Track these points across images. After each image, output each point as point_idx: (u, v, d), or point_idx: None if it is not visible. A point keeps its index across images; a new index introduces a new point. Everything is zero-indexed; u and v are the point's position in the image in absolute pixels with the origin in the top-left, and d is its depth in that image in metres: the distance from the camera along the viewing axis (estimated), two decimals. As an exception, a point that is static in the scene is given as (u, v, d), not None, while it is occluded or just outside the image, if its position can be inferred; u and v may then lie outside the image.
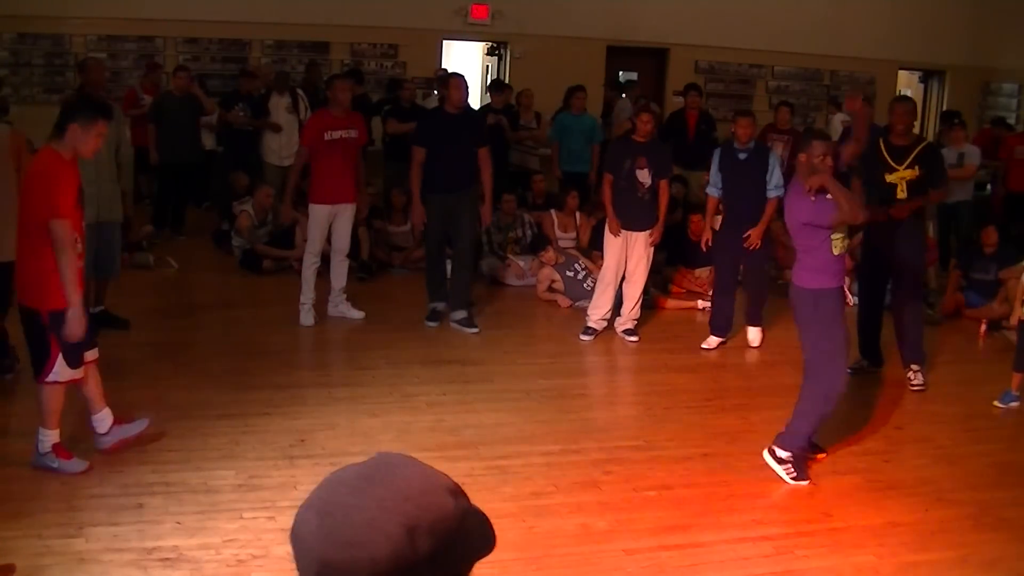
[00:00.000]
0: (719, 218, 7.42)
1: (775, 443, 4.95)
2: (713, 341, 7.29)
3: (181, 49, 12.31)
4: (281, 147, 9.99)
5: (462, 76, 7.38)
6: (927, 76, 16.13)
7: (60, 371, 4.52)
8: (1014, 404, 6.23)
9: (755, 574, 4.05)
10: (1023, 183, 10.65)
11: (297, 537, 1.13)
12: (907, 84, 16.29)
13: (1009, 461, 5.45)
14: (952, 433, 5.80)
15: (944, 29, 14.95)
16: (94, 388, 4.78)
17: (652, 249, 7.30)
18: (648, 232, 7.21)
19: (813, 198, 4.79)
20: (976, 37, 15.10)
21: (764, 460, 4.96)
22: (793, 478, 4.88)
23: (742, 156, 7.10)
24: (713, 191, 7.30)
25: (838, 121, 12.28)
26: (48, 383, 4.52)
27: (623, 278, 7.32)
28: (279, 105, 10.01)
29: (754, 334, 7.39)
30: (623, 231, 7.19)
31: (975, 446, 5.63)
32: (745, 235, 7.00)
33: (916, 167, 6.24)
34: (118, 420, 4.84)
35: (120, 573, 3.72)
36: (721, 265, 7.42)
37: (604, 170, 7.50)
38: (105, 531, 3.99)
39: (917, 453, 5.44)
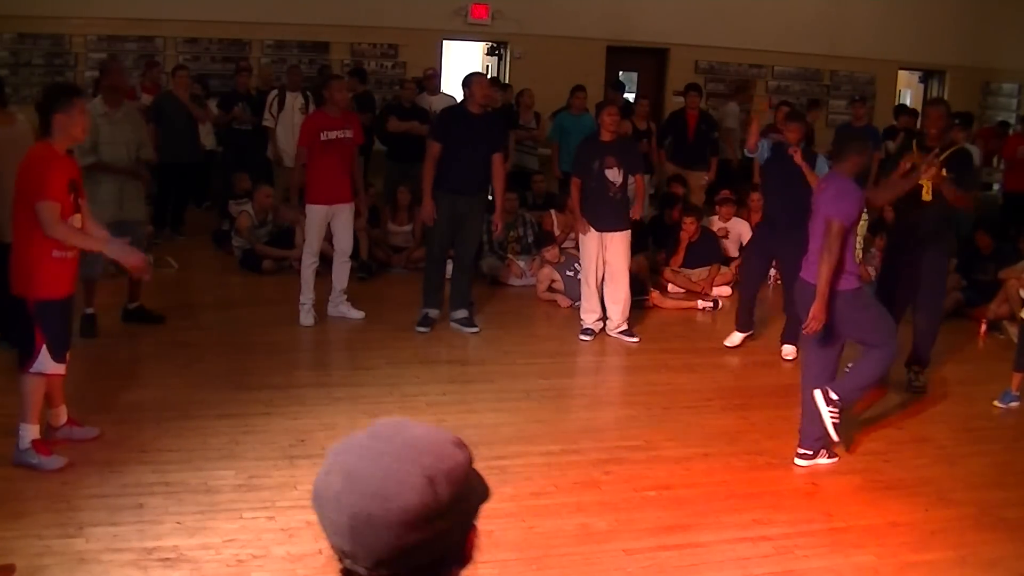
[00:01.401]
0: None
1: (829, 387, 5.00)
2: (737, 338, 7.20)
3: (181, 49, 12.32)
4: (294, 148, 9.93)
5: (484, 75, 7.32)
6: (927, 76, 16.14)
7: (44, 362, 4.54)
8: (1014, 404, 6.24)
9: (755, 574, 4.05)
10: (1023, 183, 10.67)
11: (322, 500, 1.20)
12: (907, 84, 16.31)
13: (1009, 461, 5.45)
14: (952, 433, 5.80)
15: (944, 29, 14.96)
16: (57, 384, 4.78)
17: (629, 248, 7.24)
18: (623, 233, 7.18)
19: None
20: (976, 37, 15.11)
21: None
22: (828, 456, 5.13)
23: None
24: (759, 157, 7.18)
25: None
26: (32, 374, 4.54)
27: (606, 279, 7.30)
28: (294, 105, 9.95)
29: (790, 350, 7.10)
30: (599, 233, 7.15)
31: (975, 446, 5.63)
32: (790, 150, 6.77)
33: (943, 170, 6.20)
34: (72, 421, 4.85)
35: (120, 573, 3.72)
36: (751, 260, 7.34)
37: (572, 174, 7.42)
38: (105, 531, 3.99)
39: (917, 453, 5.44)
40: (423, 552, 1.17)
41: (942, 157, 6.19)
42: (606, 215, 7.12)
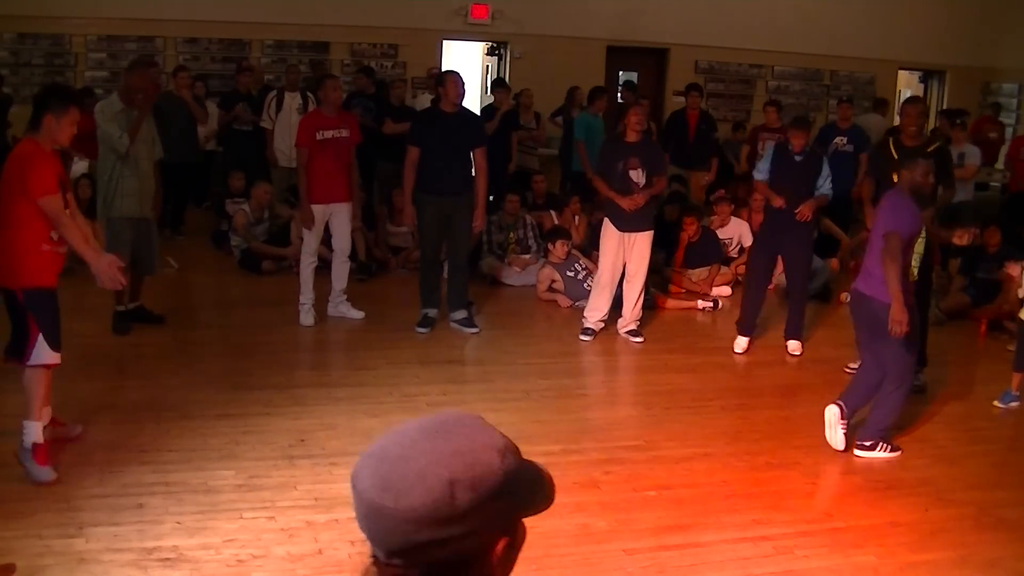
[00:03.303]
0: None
1: (859, 440, 5.26)
2: (743, 343, 7.16)
3: (181, 49, 12.31)
4: (290, 148, 9.94)
5: (458, 73, 7.27)
6: (927, 76, 16.14)
7: (41, 352, 4.50)
8: (1014, 404, 6.23)
9: (755, 574, 4.05)
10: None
11: (354, 480, 1.19)
12: (907, 84, 16.30)
13: (1009, 461, 5.45)
14: (952, 433, 5.80)
15: (944, 29, 14.96)
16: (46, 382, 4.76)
17: (650, 250, 7.25)
18: (647, 233, 7.18)
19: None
20: (976, 37, 15.11)
21: (856, 459, 5.24)
22: (890, 451, 5.28)
23: (798, 159, 7.02)
24: (760, 175, 7.26)
25: (873, 122, 12.46)
26: (31, 366, 4.51)
27: (622, 278, 7.30)
28: (291, 105, 9.95)
29: (794, 346, 7.18)
30: (621, 233, 7.16)
31: (975, 446, 5.63)
32: (797, 210, 6.86)
33: None
34: (55, 421, 4.83)
35: (120, 573, 3.72)
36: (757, 260, 7.34)
37: (596, 174, 7.42)
38: (105, 531, 3.99)
39: (917, 453, 5.43)
40: (436, 550, 1.15)
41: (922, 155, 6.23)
42: (630, 215, 7.09)
